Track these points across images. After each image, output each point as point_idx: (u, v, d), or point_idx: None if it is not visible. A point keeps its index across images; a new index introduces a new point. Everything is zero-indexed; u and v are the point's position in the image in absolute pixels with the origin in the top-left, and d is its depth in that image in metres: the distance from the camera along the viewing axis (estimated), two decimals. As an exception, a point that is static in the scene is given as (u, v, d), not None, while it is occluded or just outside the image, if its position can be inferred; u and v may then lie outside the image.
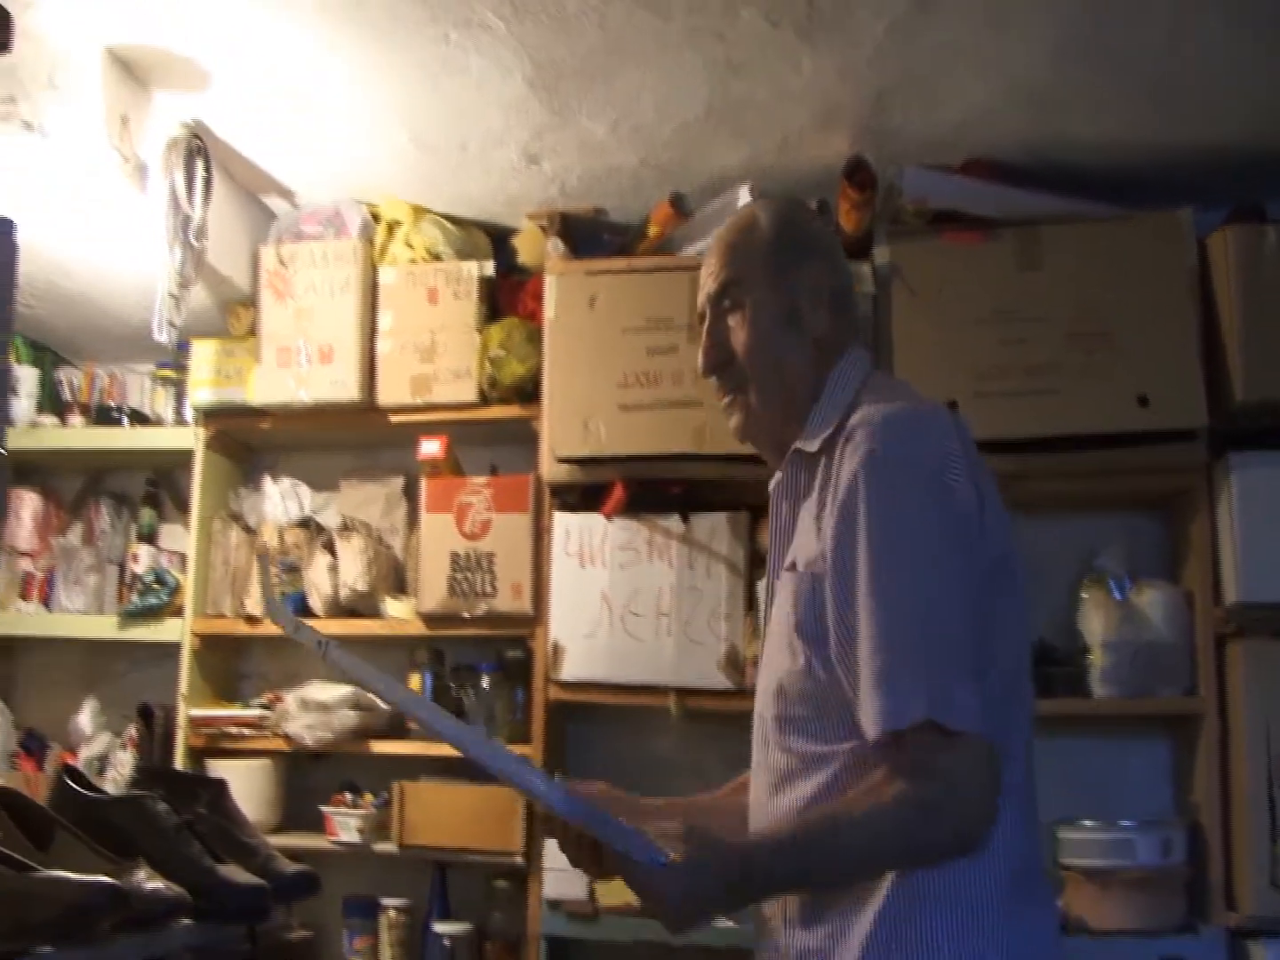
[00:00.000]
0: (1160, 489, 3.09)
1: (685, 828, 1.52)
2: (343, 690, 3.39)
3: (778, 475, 1.83)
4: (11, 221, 1.27)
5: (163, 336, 3.18)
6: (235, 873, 1.55)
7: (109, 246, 3.39)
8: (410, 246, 3.52)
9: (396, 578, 3.55)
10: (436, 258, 3.50)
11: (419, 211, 3.54)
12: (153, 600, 3.66)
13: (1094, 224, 3.04)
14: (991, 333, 3.01)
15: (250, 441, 3.86)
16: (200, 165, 3.14)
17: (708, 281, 1.83)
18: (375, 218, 3.58)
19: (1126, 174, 3.17)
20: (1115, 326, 2.95)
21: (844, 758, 1.60)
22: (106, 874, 1.49)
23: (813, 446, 1.72)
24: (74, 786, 1.63)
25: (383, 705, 3.37)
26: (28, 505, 3.94)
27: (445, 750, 3.26)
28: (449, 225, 3.53)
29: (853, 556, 1.56)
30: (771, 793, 1.70)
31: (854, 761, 1.59)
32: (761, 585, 1.97)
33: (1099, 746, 3.19)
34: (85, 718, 3.78)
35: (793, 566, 1.69)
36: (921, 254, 3.10)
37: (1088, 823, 2.94)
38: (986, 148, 3.11)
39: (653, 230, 3.31)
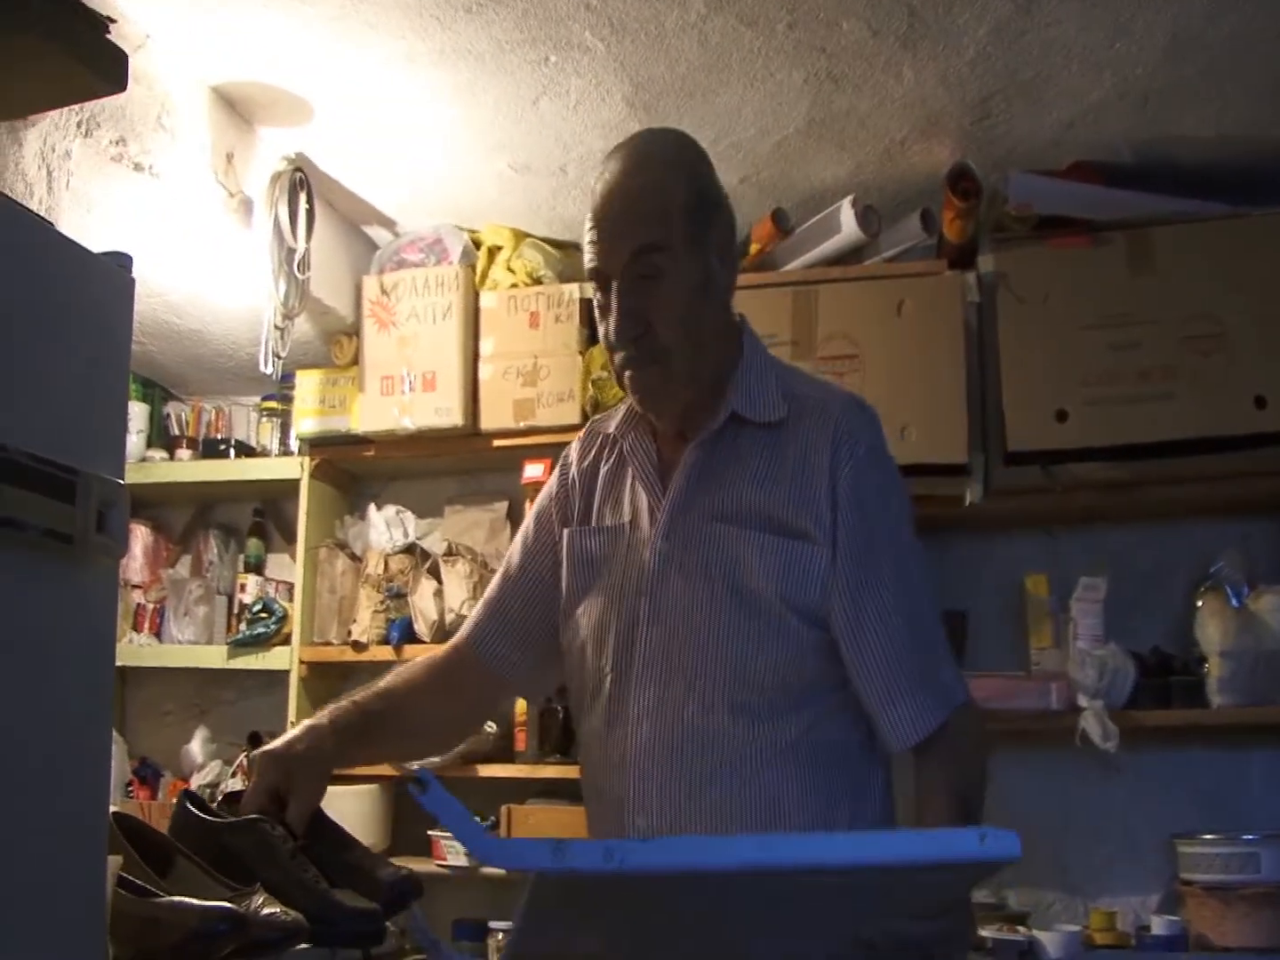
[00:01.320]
0: (1273, 492, 3.00)
1: None
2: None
3: (623, 417, 1.80)
4: (129, 255, 1.27)
5: (269, 368, 3.23)
6: (350, 898, 1.55)
7: (216, 282, 3.43)
8: (511, 271, 3.53)
9: (502, 601, 3.54)
10: (538, 281, 3.51)
11: (519, 236, 3.55)
12: (260, 630, 3.68)
13: (1207, 223, 2.99)
14: (1101, 338, 2.97)
15: (355, 470, 3.88)
16: (303, 198, 3.19)
17: (616, 244, 1.64)
18: (476, 243, 3.61)
19: (1240, 171, 3.09)
20: (1230, 327, 2.90)
21: (806, 741, 1.63)
22: (225, 900, 1.49)
23: (767, 417, 1.70)
24: (194, 811, 1.64)
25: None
26: (138, 538, 4.00)
27: (549, 773, 3.30)
28: (549, 248, 3.54)
29: (873, 551, 1.63)
30: (691, 782, 1.62)
31: (818, 744, 1.64)
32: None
33: (1219, 758, 3.11)
34: (197, 746, 3.81)
35: (737, 526, 1.65)
36: (1028, 260, 3.07)
37: (1208, 836, 2.87)
38: (1093, 150, 3.07)
39: (754, 247, 3.30)
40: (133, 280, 1.26)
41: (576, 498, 1.85)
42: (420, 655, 1.97)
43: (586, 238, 1.68)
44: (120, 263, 1.25)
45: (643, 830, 1.60)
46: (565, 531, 1.83)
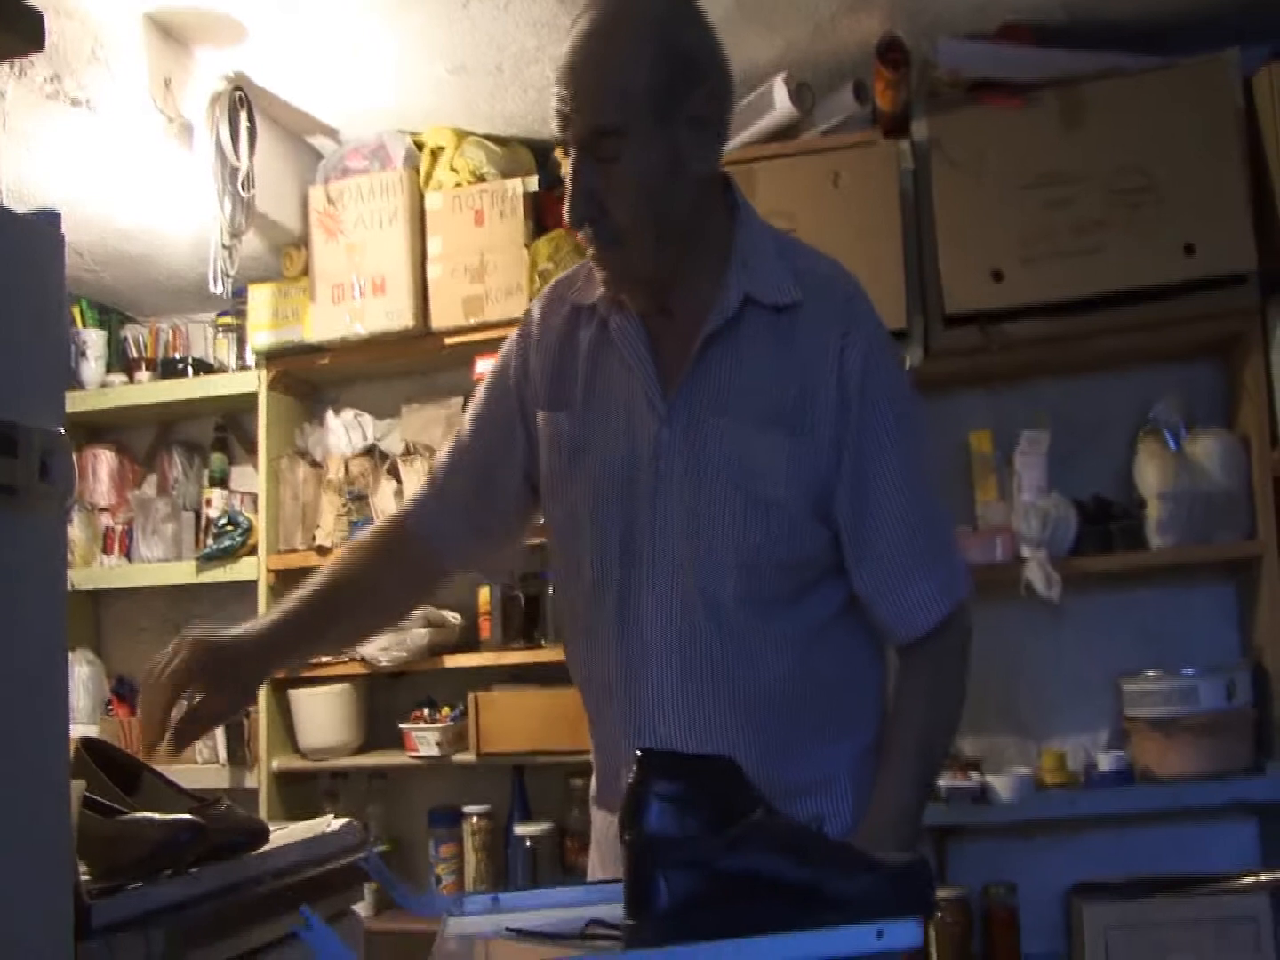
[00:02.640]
0: (1214, 336, 3.05)
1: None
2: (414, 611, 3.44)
3: (595, 294, 1.68)
4: (57, 212, 1.31)
5: (218, 288, 3.26)
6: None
7: (163, 206, 3.46)
8: (455, 170, 3.55)
9: (461, 496, 3.59)
10: (481, 179, 3.53)
11: (461, 135, 3.57)
12: (228, 542, 3.73)
13: (1137, 76, 2.99)
14: (1035, 196, 2.99)
15: (311, 378, 3.92)
16: (244, 116, 3.19)
17: (573, 118, 1.54)
18: (419, 146, 3.62)
19: (1168, 22, 3.09)
20: (1160, 178, 2.92)
21: (813, 634, 1.63)
22: (190, 811, 1.55)
23: (780, 299, 1.60)
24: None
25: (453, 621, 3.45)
26: (104, 462, 4.04)
27: (514, 659, 3.36)
28: (492, 146, 3.56)
29: (881, 439, 1.59)
30: (708, 678, 1.59)
31: (824, 636, 1.63)
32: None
33: (1163, 597, 3.18)
34: (171, 661, 3.86)
35: (746, 422, 1.59)
36: (960, 124, 3.08)
37: (1150, 673, 2.95)
38: (1021, 11, 3.07)
39: (690, 130, 3.31)
40: (62, 236, 1.29)
41: (547, 368, 1.73)
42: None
43: (553, 100, 1.57)
44: (49, 220, 1.29)
45: (664, 737, 1.58)
46: (544, 414, 1.72)
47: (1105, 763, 2.96)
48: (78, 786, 1.45)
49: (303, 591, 1.74)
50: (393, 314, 3.52)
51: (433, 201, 3.56)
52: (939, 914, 2.95)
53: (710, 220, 1.63)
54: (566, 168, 1.58)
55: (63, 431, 1.23)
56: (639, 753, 1.19)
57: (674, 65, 1.52)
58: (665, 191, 1.56)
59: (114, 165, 3.21)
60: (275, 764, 3.58)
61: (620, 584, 1.62)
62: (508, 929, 1.29)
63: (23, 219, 1.25)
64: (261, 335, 3.71)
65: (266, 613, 1.74)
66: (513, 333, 1.81)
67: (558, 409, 1.70)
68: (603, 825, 1.74)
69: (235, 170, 3.19)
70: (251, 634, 1.65)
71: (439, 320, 3.52)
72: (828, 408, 1.57)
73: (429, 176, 3.59)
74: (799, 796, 1.54)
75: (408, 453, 3.57)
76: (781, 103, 3.20)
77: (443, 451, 1.86)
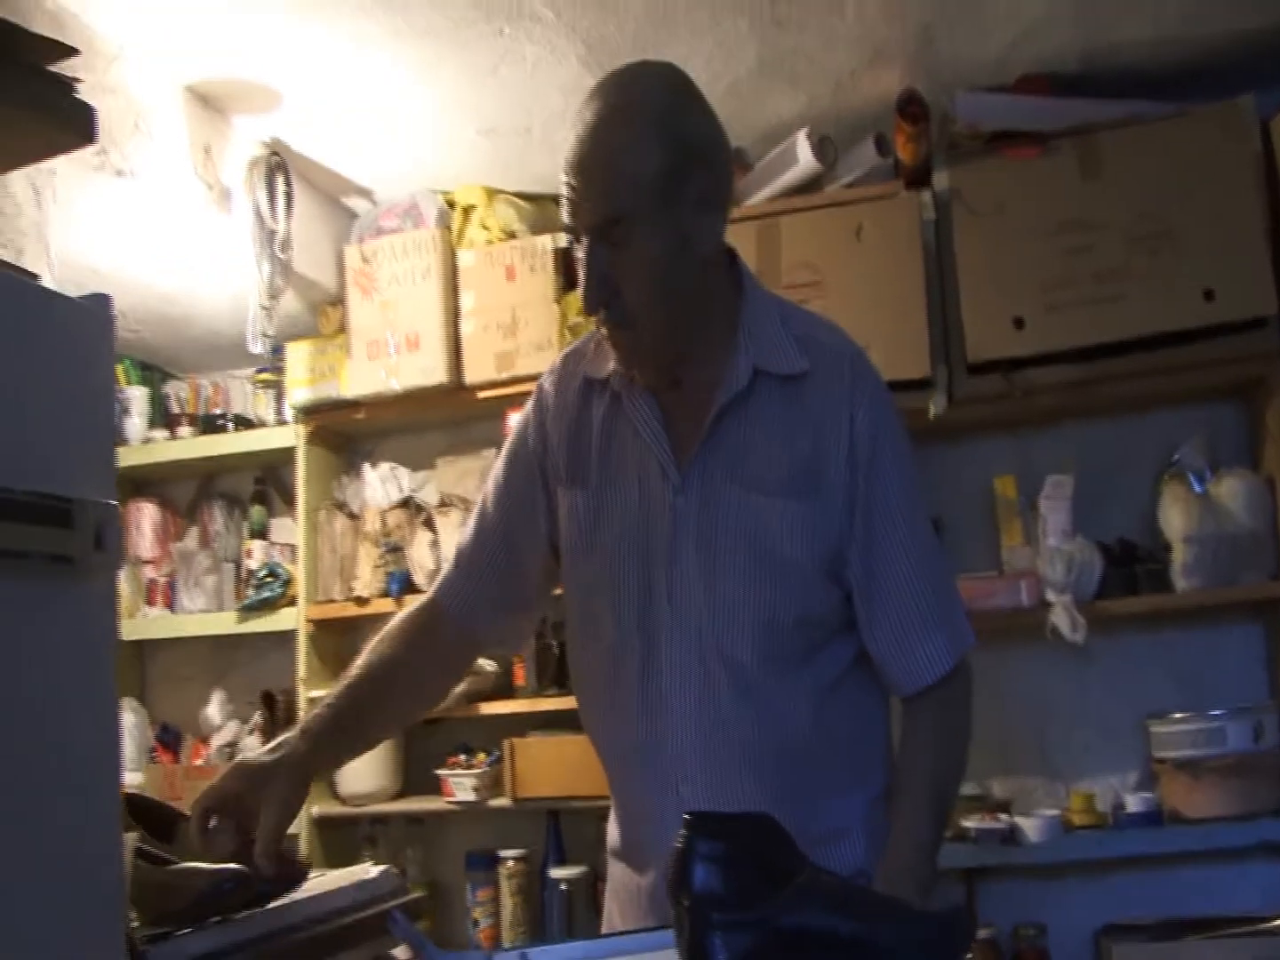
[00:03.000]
0: (1236, 379, 3.09)
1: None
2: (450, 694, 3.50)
3: (607, 369, 1.73)
4: (107, 296, 1.39)
5: (257, 348, 3.37)
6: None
7: (203, 269, 3.56)
8: (486, 228, 3.63)
9: (496, 546, 3.65)
10: (512, 235, 3.61)
11: (491, 193, 3.65)
12: (268, 593, 3.80)
13: (1153, 124, 3.04)
14: (1055, 244, 3.04)
15: (348, 432, 4.00)
16: (280, 180, 3.30)
17: (583, 205, 1.59)
18: (450, 205, 3.70)
19: (1184, 70, 3.14)
20: (1179, 224, 2.97)
21: (826, 690, 1.66)
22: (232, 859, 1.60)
23: (788, 369, 1.65)
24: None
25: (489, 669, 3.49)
26: (146, 516, 4.12)
27: (549, 705, 3.41)
28: (522, 203, 3.64)
29: (888, 501, 1.64)
30: (727, 738, 1.63)
31: (836, 692, 1.66)
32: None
33: (1191, 639, 3.20)
34: (214, 709, 3.94)
35: (771, 491, 1.64)
36: (980, 174, 3.14)
37: (1177, 715, 2.97)
38: (1038, 63, 3.13)
39: (715, 186, 3.38)
40: (112, 318, 1.35)
41: (563, 442, 1.77)
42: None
43: (562, 188, 1.62)
44: (101, 304, 1.36)
45: (686, 797, 1.61)
46: (562, 490, 1.76)
47: (1133, 804, 2.97)
48: (130, 838, 1.51)
49: (340, 692, 1.72)
50: (427, 369, 3.59)
51: (465, 259, 3.64)
52: (969, 956, 2.96)
53: (718, 294, 1.68)
54: (576, 249, 1.63)
55: (114, 503, 1.30)
56: (685, 816, 1.23)
57: (677, 152, 1.58)
58: (674, 272, 1.60)
59: (156, 231, 3.32)
60: (315, 810, 3.64)
61: (640, 650, 1.66)
62: None
63: (76, 303, 1.32)
64: (299, 391, 3.80)
65: (308, 720, 1.67)
66: (526, 404, 1.85)
67: (574, 484, 1.75)
68: (620, 877, 1.79)
69: (273, 233, 3.30)
70: (293, 756, 1.59)
71: (472, 375, 3.59)
72: (839, 472, 1.63)
73: (461, 234, 3.67)
74: (815, 847, 1.51)
75: (443, 504, 3.64)
76: (805, 157, 3.26)
77: (466, 528, 1.88)
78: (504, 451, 1.86)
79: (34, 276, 1.57)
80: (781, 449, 1.64)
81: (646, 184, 1.56)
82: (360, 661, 1.77)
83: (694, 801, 1.61)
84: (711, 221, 1.64)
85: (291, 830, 1.61)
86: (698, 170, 1.60)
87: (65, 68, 1.68)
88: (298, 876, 1.61)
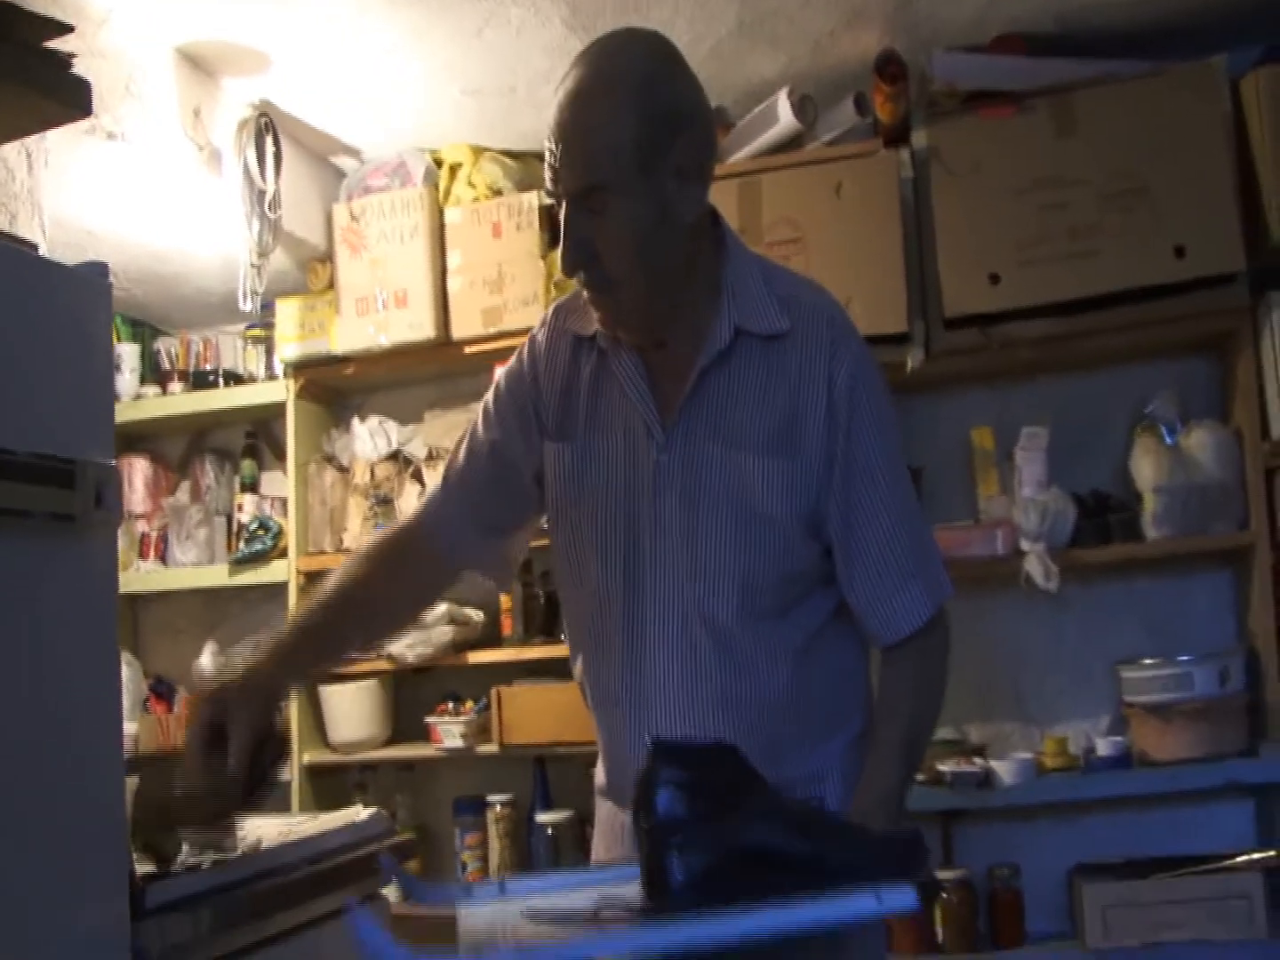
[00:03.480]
0: (1207, 333, 3.14)
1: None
2: (439, 608, 3.56)
3: (558, 330, 1.80)
4: (104, 263, 1.44)
5: (247, 306, 3.40)
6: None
7: (194, 228, 3.60)
8: (473, 186, 3.67)
9: (483, 498, 3.71)
10: (498, 193, 3.65)
11: (477, 151, 3.68)
12: (259, 546, 3.86)
13: (1126, 83, 3.08)
14: (1031, 201, 3.09)
15: (337, 387, 4.05)
16: (270, 141, 3.33)
17: (563, 173, 1.61)
18: (438, 163, 3.74)
19: (1157, 29, 3.17)
20: (1152, 182, 3.01)
21: (806, 643, 1.71)
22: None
23: (769, 329, 1.68)
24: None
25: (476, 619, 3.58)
26: (138, 471, 4.17)
27: (535, 654, 3.48)
28: (508, 161, 3.67)
29: (869, 454, 1.67)
30: (708, 689, 1.68)
31: (815, 644, 1.71)
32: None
33: (1163, 587, 3.27)
34: (206, 660, 3.99)
35: (753, 450, 1.67)
36: (957, 134, 3.18)
37: (1147, 660, 3.04)
38: (1014, 23, 3.16)
39: (697, 145, 3.42)
40: (109, 285, 1.41)
41: (554, 396, 1.81)
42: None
43: (545, 155, 1.64)
44: (98, 272, 1.41)
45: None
46: (549, 443, 1.80)
47: (1104, 747, 3.05)
48: (132, 783, 1.57)
49: (312, 609, 1.74)
50: (415, 325, 3.64)
51: (452, 216, 3.68)
52: (944, 895, 3.05)
53: (700, 257, 1.70)
54: (558, 213, 1.65)
55: (113, 463, 1.36)
56: (649, 742, 1.30)
57: (656, 121, 1.59)
58: (654, 240, 1.62)
59: (147, 192, 3.36)
60: (306, 758, 3.71)
61: (624, 603, 1.71)
62: (526, 910, 1.38)
63: (74, 271, 1.37)
64: (289, 347, 3.85)
65: (280, 631, 1.69)
66: (520, 350, 1.88)
67: (563, 439, 1.79)
68: (607, 815, 1.85)
69: (262, 193, 3.33)
70: (264, 664, 1.62)
71: (459, 330, 3.64)
72: (819, 427, 1.66)
73: (448, 192, 3.71)
74: (791, 790, 1.59)
75: (430, 457, 3.70)
76: (785, 116, 3.30)
77: (452, 460, 1.90)
78: (500, 379, 1.88)
79: (33, 246, 1.62)
80: (763, 407, 1.67)
81: (625, 154, 1.58)
82: (333, 580, 1.78)
83: None
84: (693, 190, 1.64)
85: (284, 778, 1.68)
86: (679, 140, 1.61)
87: (59, 41, 1.73)
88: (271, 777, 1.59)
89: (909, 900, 1.26)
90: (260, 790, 1.55)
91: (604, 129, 1.58)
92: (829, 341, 1.67)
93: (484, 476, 1.86)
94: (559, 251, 1.66)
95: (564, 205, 1.63)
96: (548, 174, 1.64)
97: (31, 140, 2.59)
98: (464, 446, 1.89)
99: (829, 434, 1.66)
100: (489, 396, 1.89)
